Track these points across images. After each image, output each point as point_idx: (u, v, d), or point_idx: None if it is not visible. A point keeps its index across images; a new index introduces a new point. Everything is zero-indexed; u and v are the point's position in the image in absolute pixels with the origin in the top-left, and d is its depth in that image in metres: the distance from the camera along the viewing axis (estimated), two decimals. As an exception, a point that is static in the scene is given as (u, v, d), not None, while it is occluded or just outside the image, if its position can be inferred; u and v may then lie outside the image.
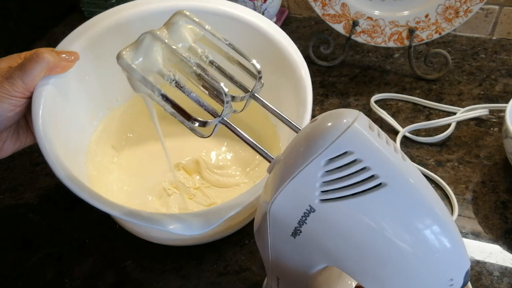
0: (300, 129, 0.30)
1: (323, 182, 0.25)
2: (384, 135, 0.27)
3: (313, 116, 0.66)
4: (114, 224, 0.50)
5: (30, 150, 0.58)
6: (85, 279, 0.47)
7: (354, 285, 0.38)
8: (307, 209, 0.26)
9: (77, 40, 0.47)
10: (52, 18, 0.88)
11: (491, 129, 0.61)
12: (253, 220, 0.32)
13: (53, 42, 0.83)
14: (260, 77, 0.33)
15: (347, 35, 0.69)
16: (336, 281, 0.37)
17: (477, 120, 0.62)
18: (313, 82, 0.71)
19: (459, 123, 0.61)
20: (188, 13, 0.35)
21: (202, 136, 0.32)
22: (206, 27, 0.35)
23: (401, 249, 0.26)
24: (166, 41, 0.33)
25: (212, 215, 0.36)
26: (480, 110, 0.61)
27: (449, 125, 0.60)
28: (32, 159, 0.60)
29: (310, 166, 0.25)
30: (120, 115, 0.55)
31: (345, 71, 0.72)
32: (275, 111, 0.33)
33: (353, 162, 0.25)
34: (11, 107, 0.40)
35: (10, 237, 0.51)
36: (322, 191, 0.25)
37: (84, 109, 0.49)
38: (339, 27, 0.69)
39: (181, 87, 0.31)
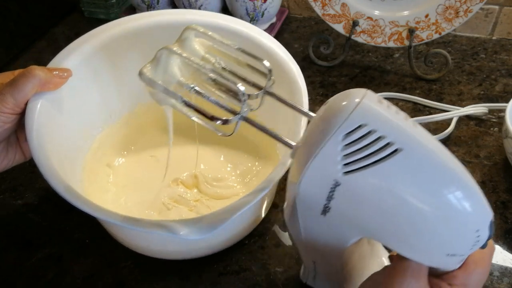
0: (312, 115, 0.33)
1: (344, 155, 0.27)
2: (394, 107, 0.28)
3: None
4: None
5: (30, 150, 0.58)
6: (85, 279, 0.47)
7: (385, 261, 0.40)
8: (333, 184, 0.28)
9: (70, 56, 0.46)
10: (52, 18, 0.88)
11: (491, 129, 0.61)
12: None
13: (53, 42, 0.83)
14: (271, 75, 0.36)
15: (347, 35, 0.69)
16: (368, 258, 0.39)
17: (477, 120, 0.62)
18: (313, 82, 0.71)
19: (459, 123, 0.61)
20: (196, 27, 0.38)
21: (225, 135, 0.35)
22: (214, 36, 0.38)
23: (425, 210, 0.27)
24: (182, 54, 0.36)
25: (219, 215, 0.36)
26: (480, 108, 0.61)
27: (448, 124, 0.60)
28: (32, 159, 0.60)
29: (329, 142, 0.27)
30: (115, 133, 0.55)
31: (345, 71, 0.72)
32: (288, 102, 0.36)
33: (368, 133, 0.27)
34: (0, 123, 0.40)
35: (10, 237, 0.51)
36: (344, 164, 0.27)
37: (78, 127, 0.49)
38: (339, 27, 0.69)
39: (200, 93, 0.34)
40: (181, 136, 0.56)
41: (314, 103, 0.66)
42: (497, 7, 0.75)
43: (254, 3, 0.74)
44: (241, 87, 0.33)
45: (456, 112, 0.61)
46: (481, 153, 0.58)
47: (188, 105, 0.34)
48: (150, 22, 0.51)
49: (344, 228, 0.31)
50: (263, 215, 0.50)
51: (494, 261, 0.46)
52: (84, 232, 0.51)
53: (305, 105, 0.45)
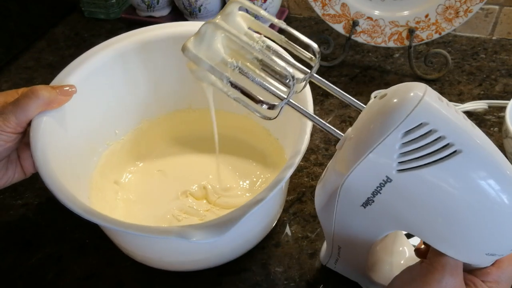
0: (363, 106, 0.32)
1: (401, 153, 0.27)
2: (451, 105, 0.28)
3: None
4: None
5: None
6: (85, 279, 0.47)
7: (406, 251, 0.40)
8: (383, 180, 0.28)
9: (73, 72, 0.46)
10: (52, 18, 0.88)
11: (491, 129, 0.61)
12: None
13: (53, 42, 0.83)
14: (319, 57, 0.35)
15: (347, 35, 0.69)
16: (391, 246, 0.39)
17: (477, 120, 0.62)
18: (313, 82, 0.71)
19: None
20: (242, 1, 0.36)
21: (268, 118, 0.33)
22: (261, 12, 0.36)
23: (475, 212, 0.27)
24: (230, 30, 0.34)
25: (231, 216, 0.35)
26: (479, 104, 0.62)
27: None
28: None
29: (387, 139, 0.27)
30: (121, 150, 0.54)
31: (345, 71, 0.72)
32: (334, 88, 0.35)
33: (429, 132, 0.26)
34: (1, 142, 0.40)
35: (10, 237, 0.51)
36: (399, 162, 0.27)
37: (84, 144, 0.49)
38: (339, 27, 0.69)
39: (245, 72, 0.32)
40: (187, 147, 0.56)
41: (314, 103, 0.66)
42: (497, 7, 0.75)
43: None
44: (290, 69, 0.32)
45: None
46: (481, 153, 0.58)
47: (234, 86, 0.32)
48: (159, 34, 0.51)
49: (382, 221, 0.31)
50: (277, 217, 0.49)
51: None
52: (84, 232, 0.51)
53: (309, 102, 0.45)
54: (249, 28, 0.37)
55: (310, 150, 0.59)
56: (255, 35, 0.36)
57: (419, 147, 0.26)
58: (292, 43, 0.37)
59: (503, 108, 0.62)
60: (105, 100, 0.51)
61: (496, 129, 0.61)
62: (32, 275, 0.48)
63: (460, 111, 0.28)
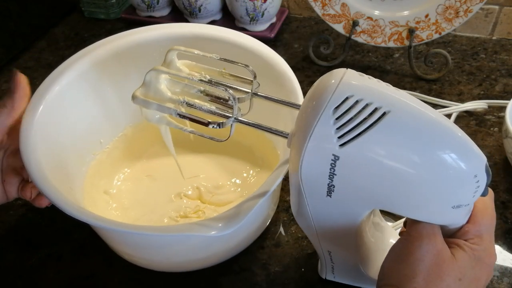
0: (299, 104, 0.34)
1: (336, 128, 0.28)
2: (374, 78, 0.30)
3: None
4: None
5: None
6: (85, 279, 0.47)
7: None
8: (332, 160, 0.29)
9: (56, 81, 0.47)
10: (52, 18, 0.88)
11: (491, 129, 0.61)
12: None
13: (53, 42, 0.83)
14: (255, 78, 0.38)
15: (347, 35, 0.69)
16: (381, 240, 0.40)
17: (477, 120, 0.62)
18: (313, 82, 0.71)
19: (458, 121, 0.61)
20: (178, 47, 0.40)
21: (221, 140, 0.36)
22: (195, 52, 0.39)
23: (421, 169, 0.28)
24: (169, 71, 0.38)
25: (241, 208, 0.36)
26: (479, 103, 0.62)
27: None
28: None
29: (321, 119, 0.29)
30: (106, 158, 0.54)
31: (345, 71, 0.72)
32: (275, 99, 0.38)
33: (355, 103, 0.28)
34: None
35: (10, 237, 0.51)
36: (338, 137, 0.29)
37: (71, 156, 0.49)
38: (339, 27, 0.69)
39: (192, 105, 0.36)
40: (175, 147, 0.56)
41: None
42: (497, 7, 0.75)
43: (254, 3, 0.74)
44: (231, 90, 0.35)
45: (455, 108, 0.62)
46: (481, 153, 0.58)
47: (183, 116, 0.36)
48: (139, 38, 0.52)
49: (351, 203, 0.32)
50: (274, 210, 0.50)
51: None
52: (84, 232, 0.51)
53: (300, 101, 0.45)
54: (191, 71, 0.41)
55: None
56: (197, 74, 0.40)
57: (350, 118, 0.28)
58: (229, 73, 0.40)
59: (503, 108, 0.63)
60: (88, 109, 0.51)
61: (496, 129, 0.61)
62: (32, 275, 0.48)
63: (382, 81, 0.30)
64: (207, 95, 0.38)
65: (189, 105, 0.36)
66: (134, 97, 0.37)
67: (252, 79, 0.38)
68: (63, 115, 0.47)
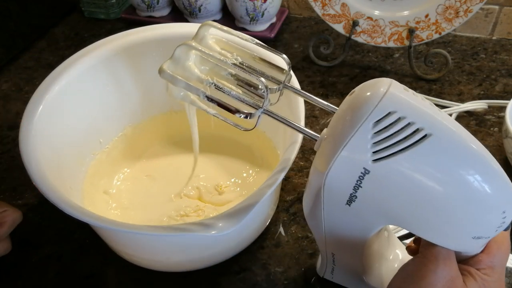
0: (336, 108, 0.32)
1: (373, 143, 0.28)
2: (419, 94, 0.29)
3: (313, 115, 0.66)
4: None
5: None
6: (85, 279, 0.47)
7: (399, 254, 0.40)
8: (361, 172, 0.28)
9: (55, 81, 0.46)
10: (52, 18, 0.88)
11: (491, 129, 0.61)
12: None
13: (53, 42, 0.83)
14: (290, 68, 0.36)
15: (347, 35, 0.69)
16: (386, 249, 0.39)
17: (477, 120, 0.62)
18: (313, 82, 0.71)
19: (459, 122, 0.61)
20: (212, 23, 0.38)
21: (247, 130, 0.35)
22: (231, 31, 0.38)
23: (452, 194, 0.28)
24: (201, 49, 0.35)
25: (241, 208, 0.36)
26: (479, 104, 0.62)
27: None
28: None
29: (359, 131, 0.28)
30: (106, 158, 0.54)
31: (345, 71, 0.72)
32: (307, 95, 0.36)
33: (397, 120, 0.27)
34: None
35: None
36: (373, 152, 0.28)
37: (71, 156, 0.49)
38: (339, 27, 0.69)
39: (220, 88, 0.34)
40: (173, 149, 0.56)
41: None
42: (497, 7, 0.75)
43: (254, 3, 0.74)
44: (264, 80, 0.33)
45: (455, 108, 0.62)
46: (481, 153, 0.58)
47: (211, 99, 0.34)
48: (141, 38, 0.52)
49: (369, 216, 0.31)
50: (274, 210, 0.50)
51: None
52: (84, 232, 0.51)
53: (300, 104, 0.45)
54: (222, 49, 0.39)
55: (310, 150, 0.59)
56: (229, 54, 0.38)
57: (390, 135, 0.27)
58: (264, 58, 0.39)
59: (503, 108, 0.63)
60: (88, 109, 0.51)
61: (496, 129, 0.61)
62: (32, 275, 0.48)
63: (426, 99, 0.29)
64: (238, 79, 0.36)
65: (218, 87, 0.34)
66: (161, 71, 0.35)
67: (286, 68, 0.36)
68: (63, 115, 0.47)
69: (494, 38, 0.78)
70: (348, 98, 0.30)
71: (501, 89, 0.67)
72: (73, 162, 0.49)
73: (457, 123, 0.29)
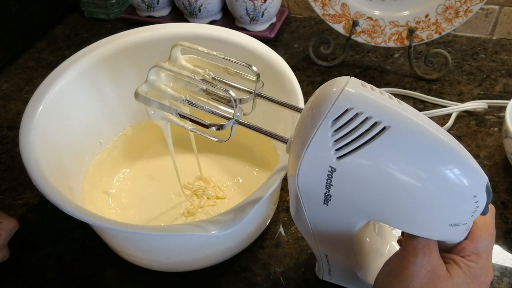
0: (302, 108, 0.33)
1: (335, 141, 0.28)
2: (377, 89, 0.30)
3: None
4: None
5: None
6: (85, 279, 0.47)
7: (395, 246, 0.41)
8: (329, 171, 0.29)
9: (55, 81, 0.47)
10: (52, 18, 0.88)
11: (491, 129, 0.61)
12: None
13: (53, 42, 0.83)
14: (259, 78, 0.37)
15: (347, 35, 0.69)
16: (380, 245, 0.40)
17: (477, 120, 0.62)
18: (313, 82, 0.71)
19: (458, 121, 0.61)
20: (182, 43, 0.39)
21: (222, 141, 0.36)
22: (200, 48, 0.39)
23: (419, 185, 0.28)
24: (172, 69, 0.37)
25: (241, 208, 0.36)
26: (479, 103, 0.62)
27: (447, 121, 0.61)
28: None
29: (319, 130, 0.28)
30: (106, 158, 0.54)
31: (345, 71, 0.72)
32: (278, 101, 0.37)
33: (355, 116, 0.28)
34: None
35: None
36: (336, 149, 0.28)
37: (71, 156, 0.49)
38: (339, 27, 0.69)
39: (193, 103, 0.36)
40: (177, 147, 0.56)
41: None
42: (497, 7, 0.75)
43: (254, 3, 0.74)
44: (232, 92, 0.35)
45: (455, 108, 0.62)
46: (481, 153, 0.58)
47: (183, 116, 0.36)
48: (142, 38, 0.52)
49: (348, 213, 0.32)
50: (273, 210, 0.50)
51: (494, 261, 0.46)
52: (84, 232, 0.51)
53: (300, 102, 0.45)
54: (196, 66, 0.40)
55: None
56: (201, 70, 0.39)
57: (349, 131, 0.28)
58: (234, 70, 0.40)
59: (503, 108, 0.63)
60: (88, 109, 0.51)
61: (496, 129, 0.61)
62: (32, 275, 0.48)
63: (386, 92, 0.30)
64: (209, 93, 0.38)
65: (191, 103, 0.36)
66: (136, 95, 0.37)
67: (254, 79, 0.38)
68: (63, 115, 0.47)
69: (494, 38, 0.78)
70: (309, 99, 0.31)
71: (501, 89, 0.67)
72: (73, 162, 0.49)
73: (420, 113, 0.29)
